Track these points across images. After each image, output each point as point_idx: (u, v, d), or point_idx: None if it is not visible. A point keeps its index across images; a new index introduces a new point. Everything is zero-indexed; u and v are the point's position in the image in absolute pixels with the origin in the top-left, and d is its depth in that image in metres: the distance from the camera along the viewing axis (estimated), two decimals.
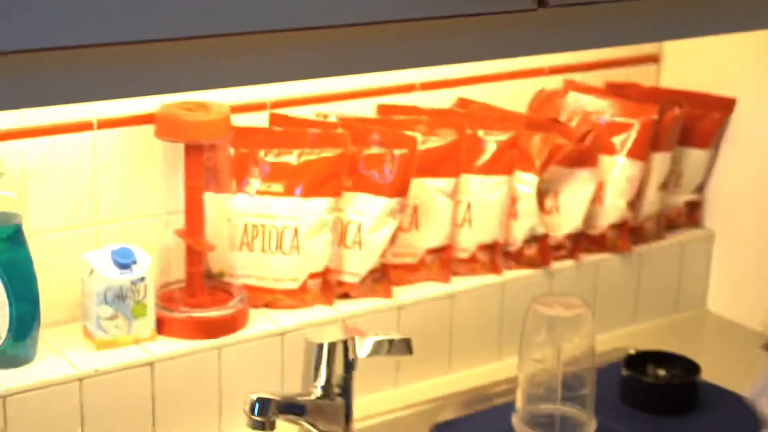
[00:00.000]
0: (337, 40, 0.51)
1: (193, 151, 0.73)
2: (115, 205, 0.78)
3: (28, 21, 0.37)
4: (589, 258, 0.95)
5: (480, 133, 0.86)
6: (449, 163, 0.84)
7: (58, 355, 0.73)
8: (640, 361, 0.88)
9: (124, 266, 0.72)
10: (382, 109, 0.90)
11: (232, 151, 0.78)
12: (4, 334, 0.68)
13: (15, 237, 0.69)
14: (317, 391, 0.70)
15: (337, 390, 0.71)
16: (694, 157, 1.02)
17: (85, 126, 0.74)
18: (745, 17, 0.74)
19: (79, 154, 0.75)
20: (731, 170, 1.04)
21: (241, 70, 0.48)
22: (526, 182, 0.88)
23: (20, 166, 0.72)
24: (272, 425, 0.65)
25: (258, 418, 0.64)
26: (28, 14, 0.36)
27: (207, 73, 0.46)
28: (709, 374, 0.81)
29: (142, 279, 0.72)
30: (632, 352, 0.90)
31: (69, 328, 0.77)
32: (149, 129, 0.76)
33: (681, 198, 1.03)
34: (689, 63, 1.08)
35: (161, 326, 0.75)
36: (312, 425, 0.70)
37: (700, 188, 1.05)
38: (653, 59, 1.08)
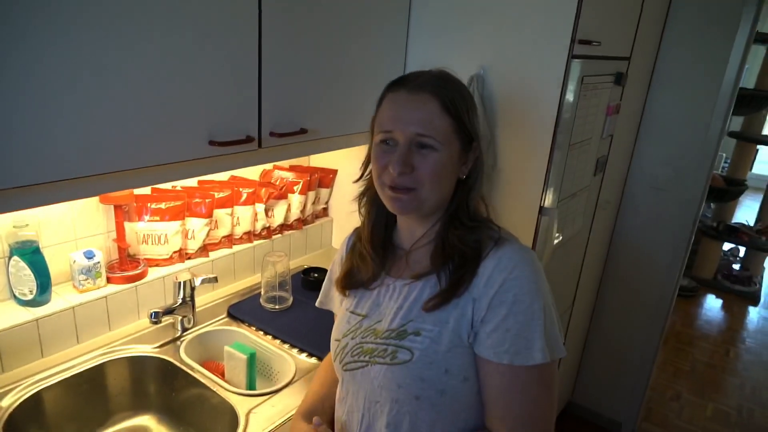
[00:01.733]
0: (168, 170, 1.20)
1: (117, 207, 1.42)
2: (83, 230, 1.39)
3: None
4: (289, 232, 1.90)
5: (241, 189, 1.68)
6: (229, 202, 1.64)
7: (61, 297, 1.34)
8: (308, 271, 1.81)
9: (89, 257, 1.37)
10: (200, 183, 1.66)
11: (134, 204, 1.48)
12: (35, 292, 1.29)
13: (36, 251, 1.28)
14: (179, 301, 1.43)
15: (188, 299, 1.45)
16: (325, 191, 2.00)
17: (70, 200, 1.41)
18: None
19: (63, 211, 1.34)
20: (338, 194, 2.05)
21: (138, 181, 1.24)
22: (260, 207, 1.77)
23: (35, 220, 1.29)
24: (159, 321, 1.38)
25: (153, 319, 1.35)
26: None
27: (121, 184, 1.20)
28: None
29: (98, 261, 1.38)
30: (305, 267, 1.85)
31: (65, 285, 1.38)
32: (96, 199, 1.39)
33: (320, 206, 2.03)
34: (319, 157, 1.72)
35: (110, 279, 1.42)
36: (178, 314, 1.46)
37: (327, 202, 2.06)
38: (308, 159, 2.02)
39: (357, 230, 1.06)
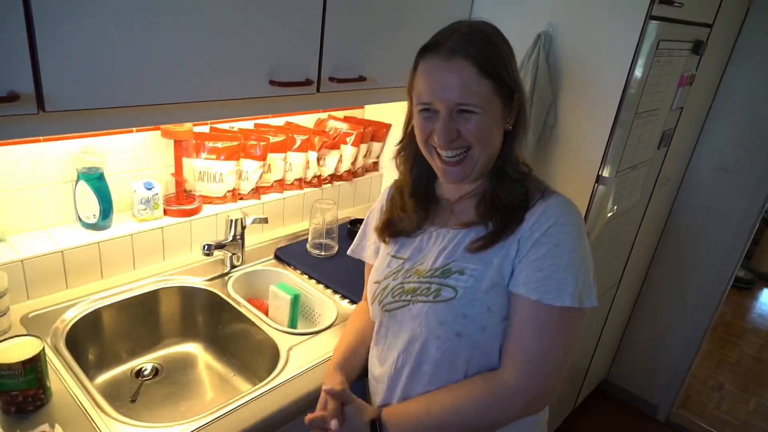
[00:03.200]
0: (228, 106, 1.11)
1: (177, 142, 1.49)
2: (144, 162, 1.45)
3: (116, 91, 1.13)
4: (339, 183, 1.91)
5: (295, 136, 1.70)
6: (282, 147, 1.67)
7: (121, 224, 1.41)
8: (354, 222, 1.81)
9: (149, 188, 1.43)
10: (257, 126, 1.69)
11: (193, 141, 1.52)
12: (98, 216, 1.35)
13: (100, 177, 1.34)
14: (230, 237, 1.49)
15: (238, 237, 1.50)
16: (377, 145, 2.01)
17: (130, 131, 1.40)
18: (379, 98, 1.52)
19: (127, 143, 1.40)
20: (390, 149, 1.98)
21: (198, 115, 1.08)
22: (312, 156, 1.79)
23: (102, 148, 1.37)
24: (211, 254, 1.46)
25: (206, 251, 1.41)
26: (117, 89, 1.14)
27: (182, 116, 1.06)
28: None
29: (156, 193, 1.44)
30: (352, 218, 1.86)
31: (125, 214, 1.45)
32: (158, 133, 1.44)
33: (371, 160, 2.03)
34: (374, 111, 1.99)
35: (166, 212, 1.48)
36: (228, 250, 1.51)
37: (378, 157, 2.06)
38: (361, 108, 2.01)
39: (397, 182, 1.07)
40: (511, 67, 0.86)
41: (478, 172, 0.90)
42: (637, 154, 1.66)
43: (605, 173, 1.50)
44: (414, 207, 0.99)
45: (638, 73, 1.39)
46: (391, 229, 1.02)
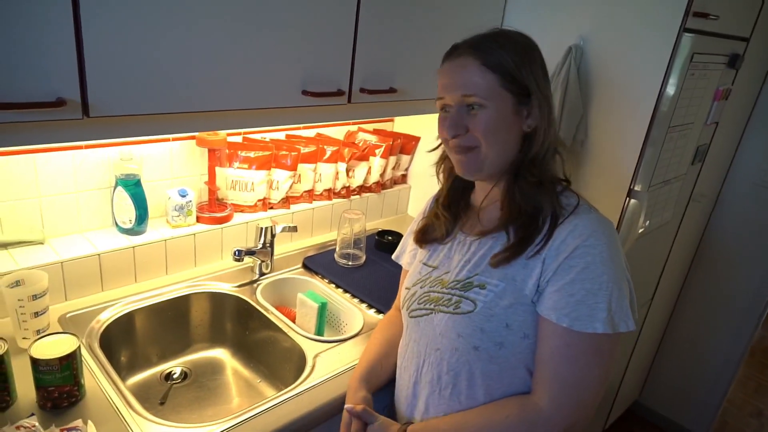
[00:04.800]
0: (261, 115, 1.14)
1: (211, 151, 1.53)
2: (179, 171, 1.50)
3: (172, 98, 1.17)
4: (367, 194, 1.93)
5: (325, 147, 1.72)
6: (313, 158, 1.69)
7: (155, 230, 1.44)
8: (382, 234, 1.83)
9: (183, 195, 1.47)
10: (288, 137, 1.72)
11: (226, 151, 1.56)
12: (133, 221, 1.39)
13: (137, 183, 1.38)
14: (259, 245, 1.50)
15: (267, 245, 1.52)
16: (405, 158, 2.01)
17: (166, 140, 1.45)
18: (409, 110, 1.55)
19: (163, 151, 1.45)
20: (419, 162, 2.05)
21: (232, 123, 1.11)
22: (342, 167, 1.81)
23: (139, 155, 1.41)
24: (241, 259, 1.46)
25: (237, 256, 1.43)
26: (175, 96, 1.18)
27: (217, 124, 1.09)
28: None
29: (190, 200, 1.47)
30: (380, 229, 1.86)
31: (159, 220, 1.49)
32: (193, 142, 1.49)
33: (399, 172, 2.04)
34: (403, 123, 2.02)
35: (199, 219, 1.52)
36: (258, 258, 1.53)
37: (407, 169, 2.07)
38: (391, 120, 2.03)
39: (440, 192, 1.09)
40: (525, 66, 0.86)
41: (490, 168, 0.90)
42: (671, 168, 1.63)
43: (637, 188, 1.48)
44: (444, 213, 1.01)
45: (672, 86, 1.37)
46: (424, 235, 1.05)
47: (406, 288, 1.04)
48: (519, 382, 0.88)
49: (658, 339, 2.44)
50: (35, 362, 0.94)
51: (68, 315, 1.25)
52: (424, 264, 1.02)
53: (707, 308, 2.31)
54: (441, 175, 1.05)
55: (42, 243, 1.30)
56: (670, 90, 1.38)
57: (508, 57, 0.85)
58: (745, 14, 1.63)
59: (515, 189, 0.89)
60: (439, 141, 0.99)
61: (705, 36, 1.40)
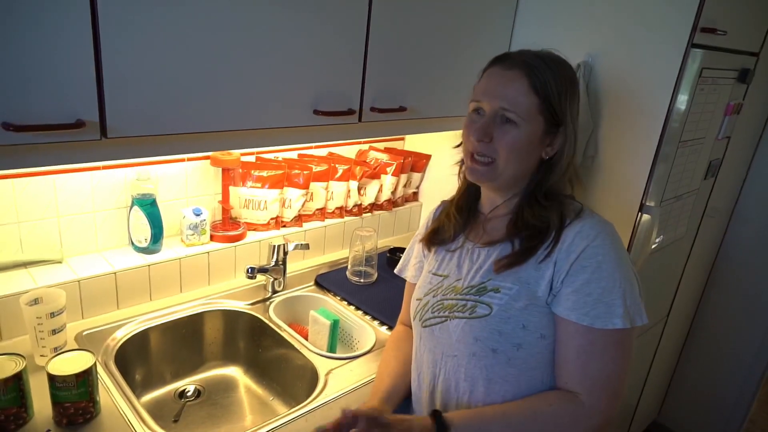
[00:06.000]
0: (274, 134, 1.16)
1: (225, 170, 1.56)
2: (194, 190, 1.52)
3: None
4: (379, 212, 1.94)
5: (337, 165, 1.75)
6: (324, 177, 1.72)
7: (170, 249, 1.47)
8: (393, 251, 1.83)
9: (197, 214, 1.50)
10: (300, 156, 1.75)
11: (240, 170, 1.59)
12: (149, 240, 1.42)
13: (153, 203, 1.41)
14: (272, 263, 1.52)
15: (280, 262, 1.53)
16: (416, 176, 2.03)
17: (181, 160, 1.49)
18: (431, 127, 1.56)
19: (178, 171, 1.48)
20: (429, 180, 2.08)
21: (246, 143, 1.12)
22: (353, 185, 1.84)
23: (155, 175, 1.45)
24: (254, 277, 1.47)
25: (250, 274, 1.45)
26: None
27: (231, 144, 1.10)
28: None
29: (204, 219, 1.50)
30: (391, 246, 1.86)
31: (174, 239, 1.51)
32: (207, 162, 1.52)
33: (410, 190, 2.06)
34: (414, 142, 2.04)
35: (212, 237, 1.54)
36: (271, 275, 1.54)
37: (418, 187, 2.09)
38: (402, 139, 2.06)
39: (444, 202, 1.11)
40: (565, 99, 0.89)
41: (504, 182, 0.92)
42: (683, 183, 1.63)
43: (649, 203, 1.47)
44: (455, 214, 1.03)
45: (681, 101, 1.38)
46: (434, 236, 1.06)
47: (417, 299, 1.04)
48: (536, 384, 0.89)
49: (675, 356, 2.40)
50: (52, 378, 0.95)
51: (85, 332, 1.27)
52: (434, 274, 1.03)
53: (725, 324, 2.27)
54: (460, 176, 1.06)
55: (60, 262, 1.33)
56: (680, 105, 1.38)
57: (554, 84, 0.87)
58: (753, 29, 1.63)
59: (527, 211, 0.91)
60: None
61: (714, 51, 1.40)
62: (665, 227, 1.64)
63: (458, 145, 1.02)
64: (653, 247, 1.58)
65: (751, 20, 1.60)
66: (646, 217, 1.48)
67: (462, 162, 1.02)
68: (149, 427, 1.00)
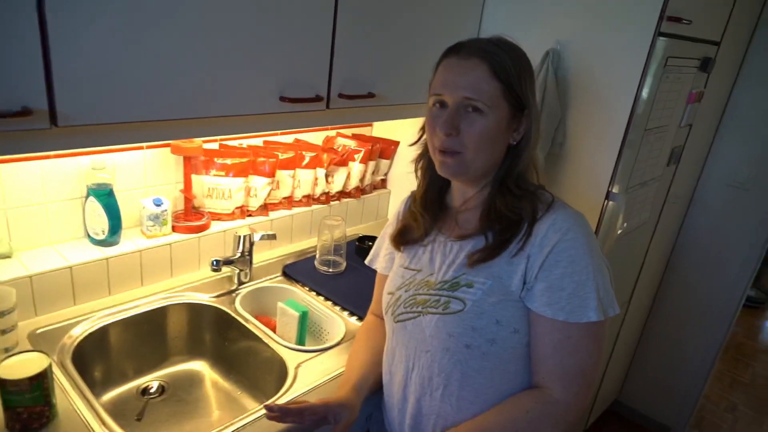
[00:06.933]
0: (238, 122, 1.12)
1: (186, 158, 1.50)
2: (154, 179, 1.45)
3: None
4: (347, 200, 1.90)
5: (304, 153, 1.71)
6: (291, 164, 1.68)
7: (130, 241, 1.40)
8: (362, 239, 1.80)
9: (158, 204, 1.43)
10: (266, 143, 1.69)
11: (202, 157, 1.53)
12: (106, 232, 1.35)
13: (110, 193, 1.33)
14: (238, 254, 1.47)
15: (246, 253, 1.49)
16: (385, 163, 2.00)
17: (140, 148, 1.39)
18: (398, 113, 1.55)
19: (137, 159, 1.40)
20: (398, 167, 2.05)
21: (208, 131, 1.08)
22: (321, 172, 1.80)
23: (112, 164, 1.35)
24: (219, 270, 1.44)
25: (215, 266, 1.41)
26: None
27: (193, 132, 1.05)
28: None
29: (165, 209, 1.43)
30: (360, 235, 1.84)
31: (134, 230, 1.44)
32: (167, 150, 1.44)
33: (379, 177, 2.03)
34: (381, 128, 2.01)
35: (174, 228, 1.47)
36: (236, 267, 1.49)
37: (386, 174, 2.06)
38: (370, 125, 2.02)
39: (413, 193, 1.08)
40: (525, 82, 0.88)
41: (474, 173, 0.91)
42: (647, 170, 1.65)
43: (615, 189, 1.49)
44: (422, 213, 1.01)
45: (647, 89, 1.39)
46: (403, 237, 1.04)
47: (389, 293, 1.02)
48: (510, 378, 0.89)
49: (636, 337, 2.47)
50: (3, 383, 0.90)
51: (38, 331, 1.21)
52: (406, 268, 1.01)
53: (683, 306, 2.34)
54: (419, 173, 1.04)
55: (9, 257, 1.25)
56: (646, 93, 1.39)
57: (513, 68, 0.85)
58: (716, 19, 1.66)
59: (498, 200, 0.90)
60: (420, 135, 0.99)
61: (679, 40, 1.42)
62: (630, 213, 1.67)
63: (414, 143, 1.00)
64: (619, 232, 1.60)
65: (714, 9, 1.62)
66: (612, 203, 1.50)
67: (420, 159, 1.01)
68: (110, 429, 0.96)
